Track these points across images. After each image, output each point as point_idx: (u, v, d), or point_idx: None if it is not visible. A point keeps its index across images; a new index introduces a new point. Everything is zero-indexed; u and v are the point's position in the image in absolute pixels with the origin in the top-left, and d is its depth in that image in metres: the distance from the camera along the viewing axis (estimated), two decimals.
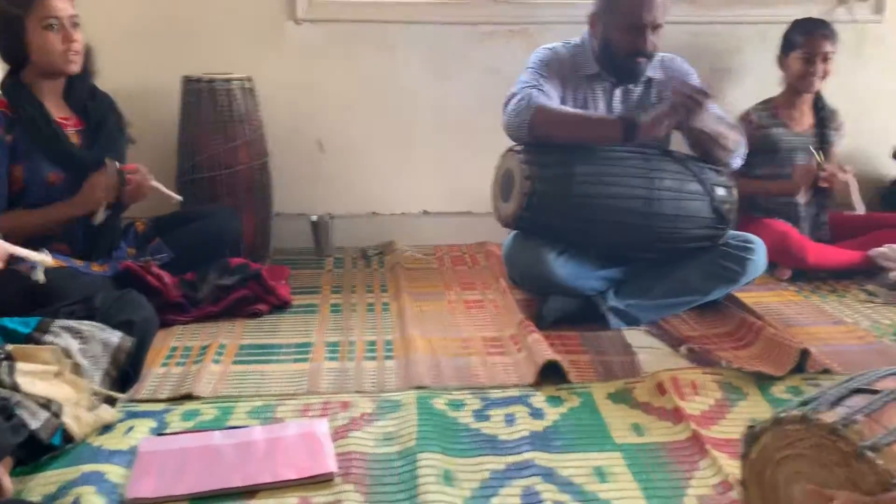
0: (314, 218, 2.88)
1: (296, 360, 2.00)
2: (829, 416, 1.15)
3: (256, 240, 2.74)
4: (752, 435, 1.24)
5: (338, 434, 1.62)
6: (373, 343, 2.11)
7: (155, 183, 2.21)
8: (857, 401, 1.21)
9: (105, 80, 2.26)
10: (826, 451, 1.13)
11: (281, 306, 2.34)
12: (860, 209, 2.68)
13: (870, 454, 1.09)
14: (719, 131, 2.19)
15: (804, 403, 1.22)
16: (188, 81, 2.62)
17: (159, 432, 1.63)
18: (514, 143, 2.23)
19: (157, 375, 1.89)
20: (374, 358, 2.01)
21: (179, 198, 2.33)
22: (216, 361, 1.96)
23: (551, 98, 2.20)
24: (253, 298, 2.30)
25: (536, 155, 2.13)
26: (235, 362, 1.98)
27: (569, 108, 2.23)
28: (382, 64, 2.92)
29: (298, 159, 2.93)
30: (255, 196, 2.70)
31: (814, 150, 2.70)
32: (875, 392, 1.23)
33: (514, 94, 2.21)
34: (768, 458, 1.21)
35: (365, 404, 1.75)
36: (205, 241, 2.38)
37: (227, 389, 1.83)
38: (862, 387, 1.26)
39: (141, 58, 2.78)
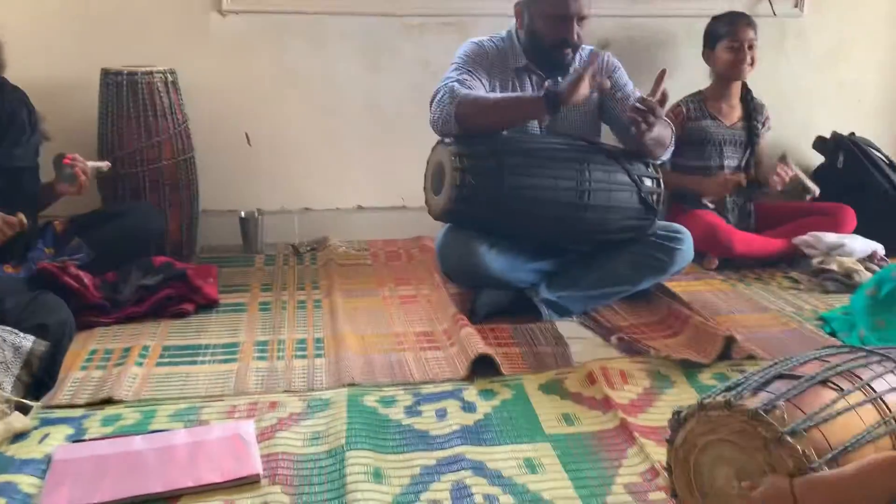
0: (243, 214, 2.81)
1: (223, 361, 1.94)
2: (752, 402, 1.17)
3: (182, 238, 2.66)
4: (678, 421, 1.24)
5: (265, 435, 1.58)
6: (303, 341, 2.06)
7: (90, 164, 2.18)
8: (779, 386, 1.23)
9: (16, 73, 2.16)
10: (748, 436, 1.15)
11: (208, 306, 2.27)
12: (815, 190, 2.75)
13: (789, 439, 1.11)
14: (661, 134, 2.21)
15: (728, 389, 1.23)
16: (107, 74, 2.52)
17: (76, 439, 1.56)
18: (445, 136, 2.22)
19: (75, 380, 1.81)
20: (304, 356, 1.97)
21: (107, 163, 2.31)
22: (139, 364, 1.89)
23: (476, 90, 2.18)
24: (178, 298, 2.23)
25: (467, 147, 2.12)
26: (159, 364, 1.92)
27: (491, 94, 2.22)
28: (312, 56, 2.86)
29: (226, 154, 2.85)
30: (181, 193, 2.62)
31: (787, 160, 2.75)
32: (797, 377, 1.25)
33: (438, 90, 2.19)
34: (693, 443, 1.22)
35: (294, 404, 1.71)
36: (126, 240, 2.30)
37: (149, 392, 1.77)
38: (784, 372, 1.28)
39: (56, 49, 2.66)
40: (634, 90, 2.37)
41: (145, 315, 2.18)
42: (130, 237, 2.31)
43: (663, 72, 2.08)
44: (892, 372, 1.33)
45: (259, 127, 2.88)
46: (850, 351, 1.39)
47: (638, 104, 2.08)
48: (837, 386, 1.24)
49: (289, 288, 2.48)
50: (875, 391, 1.25)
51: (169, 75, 2.58)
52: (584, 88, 2.06)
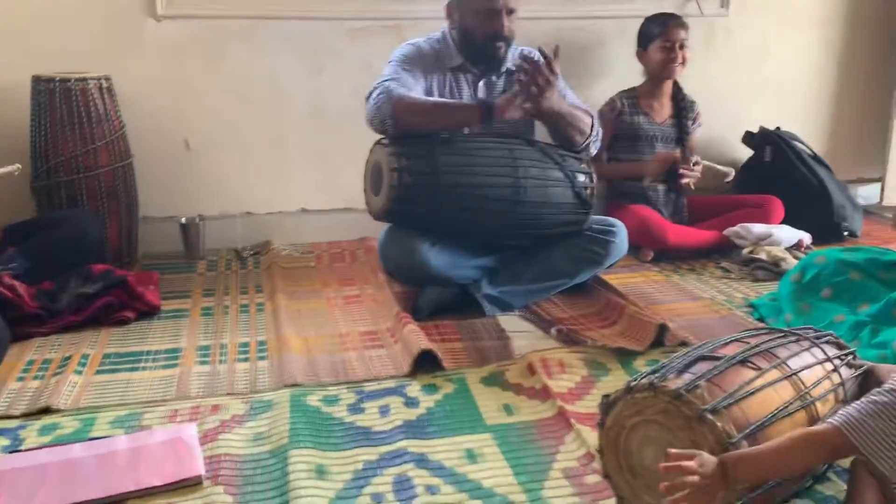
0: (184, 220, 2.78)
1: (164, 367, 1.93)
2: (675, 383, 1.23)
3: (122, 245, 2.63)
4: (607, 404, 1.30)
5: (207, 437, 1.58)
6: (246, 345, 2.06)
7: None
8: (701, 367, 1.29)
9: None
10: (671, 416, 1.20)
11: (149, 313, 2.25)
12: (730, 171, 2.84)
13: (709, 416, 1.17)
14: (573, 112, 2.26)
15: (653, 372, 1.29)
16: (39, 81, 2.48)
17: (12, 450, 1.54)
18: (382, 137, 2.25)
19: (11, 391, 1.79)
20: (246, 360, 1.97)
21: (18, 165, 2.27)
22: (78, 372, 1.87)
23: (412, 90, 2.22)
24: (119, 305, 2.21)
25: (403, 147, 2.15)
26: (99, 372, 1.90)
27: (428, 97, 2.27)
28: (251, 60, 2.85)
29: (165, 160, 2.82)
30: (119, 200, 2.59)
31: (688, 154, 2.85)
32: (717, 358, 1.32)
33: (374, 89, 2.22)
34: (622, 425, 1.27)
35: (236, 406, 1.72)
36: (63, 249, 2.27)
37: (89, 400, 1.75)
38: (706, 354, 1.35)
39: None
40: (573, 95, 2.44)
41: (85, 324, 2.15)
42: (67, 246, 2.27)
43: (557, 47, 2.09)
44: (807, 350, 1.41)
45: (199, 132, 2.86)
46: (768, 332, 1.47)
47: (521, 60, 2.10)
48: (756, 365, 1.31)
49: (231, 292, 2.47)
50: (791, 368, 1.33)
51: (104, 81, 2.54)
52: (517, 111, 2.11)
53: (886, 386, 1.09)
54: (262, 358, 1.98)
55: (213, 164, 2.89)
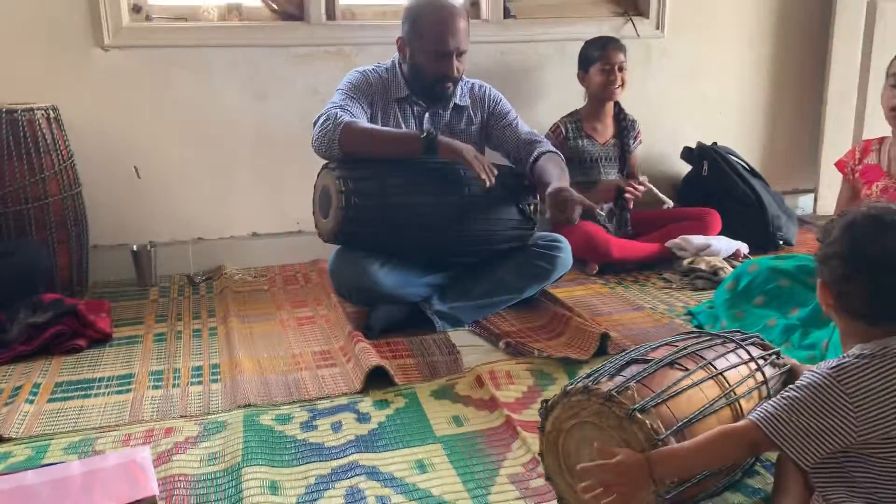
0: (135, 248, 2.79)
1: (117, 392, 1.94)
2: (607, 385, 1.30)
3: (73, 274, 2.62)
4: (546, 409, 1.36)
5: (161, 459, 1.60)
6: (199, 368, 2.09)
7: None
8: (632, 370, 1.36)
9: None
10: (604, 417, 1.27)
11: (101, 340, 2.26)
12: (669, 202, 2.96)
13: (639, 415, 1.24)
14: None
15: (588, 376, 1.36)
16: None
17: None
18: (330, 161, 2.30)
19: None
20: (199, 383, 2.00)
21: None
22: (29, 401, 1.88)
23: (358, 117, 2.29)
24: (70, 334, 2.21)
25: (350, 170, 2.20)
26: (51, 400, 1.90)
27: (374, 125, 2.33)
28: (199, 88, 2.88)
29: (115, 189, 2.83)
30: (69, 229, 2.59)
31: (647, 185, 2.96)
32: (647, 361, 1.39)
33: (321, 115, 2.28)
34: (560, 427, 1.33)
35: (190, 428, 1.74)
36: (12, 280, 2.26)
37: (41, 428, 1.76)
38: (637, 357, 1.42)
39: None
40: (523, 123, 2.53)
41: (36, 353, 2.15)
42: (16, 276, 2.27)
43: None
44: (733, 352, 1.49)
45: (148, 160, 2.88)
46: (697, 335, 1.55)
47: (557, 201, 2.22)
48: (683, 366, 1.39)
49: (184, 318, 2.48)
50: (717, 369, 1.41)
51: (51, 111, 2.55)
52: (463, 155, 2.19)
53: (799, 382, 1.17)
54: (215, 381, 2.01)
55: (163, 191, 2.91)
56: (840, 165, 2.38)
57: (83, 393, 1.94)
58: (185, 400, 1.89)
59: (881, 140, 2.29)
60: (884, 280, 1.16)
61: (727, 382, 1.39)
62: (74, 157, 2.65)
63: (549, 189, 2.25)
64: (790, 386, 1.19)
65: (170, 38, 2.83)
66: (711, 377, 1.38)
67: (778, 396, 1.19)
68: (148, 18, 2.87)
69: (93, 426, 1.77)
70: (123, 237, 2.86)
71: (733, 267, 2.71)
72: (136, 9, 2.85)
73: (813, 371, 1.17)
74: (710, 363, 1.41)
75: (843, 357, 1.17)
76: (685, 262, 2.79)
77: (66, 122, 2.64)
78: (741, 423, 1.20)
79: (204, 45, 2.87)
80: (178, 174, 2.92)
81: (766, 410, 1.16)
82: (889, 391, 1.12)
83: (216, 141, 2.94)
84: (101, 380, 2.02)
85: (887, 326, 1.18)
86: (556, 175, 2.32)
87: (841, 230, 1.20)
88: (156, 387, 1.97)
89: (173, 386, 1.98)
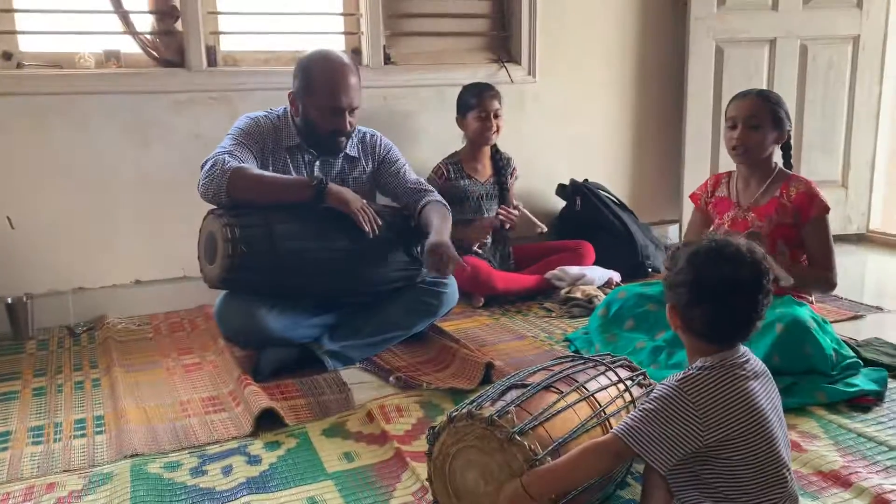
0: (10, 300, 2.68)
1: None
2: (488, 410, 1.39)
3: None
4: (433, 435, 1.43)
5: None
6: (82, 421, 2.04)
7: None
8: (512, 394, 1.46)
9: None
10: (487, 440, 1.36)
11: None
12: (542, 226, 3.12)
13: (518, 437, 1.33)
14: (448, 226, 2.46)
15: (471, 402, 1.44)
16: None
17: None
18: (216, 207, 2.31)
19: None
20: (83, 435, 1.95)
21: None
22: None
23: (246, 163, 2.31)
24: None
25: (237, 217, 2.21)
26: None
27: (263, 171, 2.36)
28: (76, 135, 2.82)
29: None
30: None
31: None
32: (526, 385, 1.50)
33: (208, 160, 2.29)
34: (446, 453, 1.41)
35: (73, 482, 1.70)
36: None
37: None
38: (516, 383, 1.52)
39: None
40: (411, 171, 2.63)
41: None
42: None
43: None
44: (603, 374, 1.62)
45: (23, 209, 2.79)
46: (570, 359, 1.67)
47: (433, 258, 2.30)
48: (558, 389, 1.50)
49: (64, 370, 2.41)
50: (588, 391, 1.53)
51: None
52: (350, 206, 2.27)
53: (652, 394, 1.30)
54: (99, 432, 1.97)
55: (39, 240, 2.82)
56: (694, 198, 2.60)
57: None
58: (67, 454, 1.85)
59: (729, 174, 2.53)
60: (720, 307, 1.31)
61: (598, 403, 1.51)
62: None
63: (427, 243, 2.33)
64: (645, 399, 1.32)
65: (43, 85, 2.77)
66: (584, 399, 1.50)
67: (635, 409, 1.31)
68: (19, 66, 2.80)
69: None
70: None
71: (606, 295, 2.90)
72: (6, 56, 2.78)
73: (663, 384, 1.30)
74: (582, 385, 1.53)
75: (688, 370, 1.31)
76: (563, 291, 2.95)
77: None
78: (606, 436, 1.32)
79: (80, 93, 2.82)
80: (55, 223, 2.83)
81: (626, 423, 1.28)
82: (726, 398, 1.26)
83: (95, 188, 2.88)
84: None
85: (726, 344, 1.33)
86: (437, 226, 2.39)
87: (686, 260, 1.35)
88: (35, 442, 1.91)
89: (55, 440, 1.92)
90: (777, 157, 2.46)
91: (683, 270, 1.34)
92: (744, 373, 1.31)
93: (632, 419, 1.28)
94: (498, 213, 3.07)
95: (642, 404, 1.30)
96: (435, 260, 2.29)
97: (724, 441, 1.26)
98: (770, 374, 1.39)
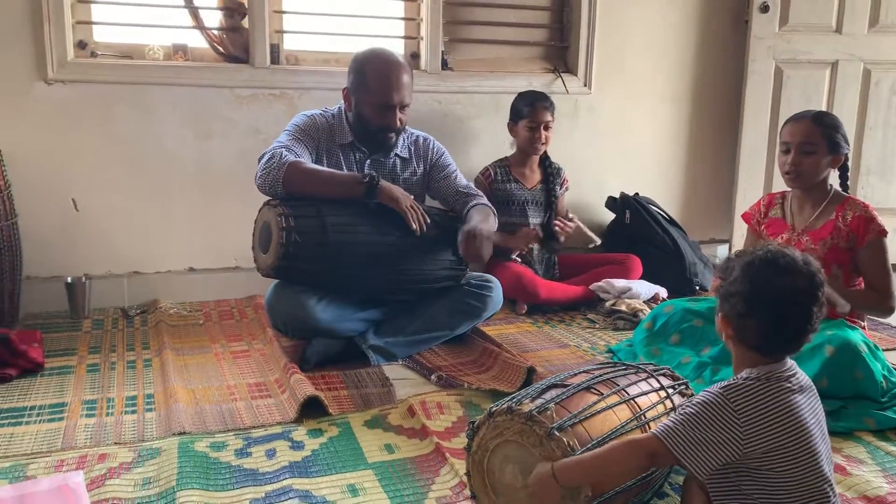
0: (69, 280, 2.79)
1: (49, 420, 1.95)
2: (528, 406, 1.40)
3: (3, 305, 2.60)
4: (473, 429, 1.45)
5: (94, 483, 1.62)
6: (133, 398, 2.10)
7: None
8: (552, 393, 1.47)
9: None
10: (526, 435, 1.37)
11: (32, 370, 2.25)
12: (596, 240, 3.12)
13: (557, 433, 1.34)
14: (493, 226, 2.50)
15: (512, 399, 1.46)
16: None
17: None
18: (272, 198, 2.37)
19: None
20: (134, 412, 2.02)
21: None
22: None
23: (302, 158, 2.37)
24: (0, 363, 2.20)
25: (292, 208, 2.28)
26: None
27: (318, 166, 2.42)
28: (141, 124, 2.93)
29: (51, 221, 2.84)
30: (2, 259, 2.57)
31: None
32: (566, 386, 1.51)
33: (265, 153, 2.36)
34: (485, 447, 1.43)
35: (124, 454, 1.76)
36: None
37: None
38: (557, 382, 1.53)
39: None
40: (462, 177, 2.67)
41: None
42: None
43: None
44: (645, 380, 1.62)
45: (86, 192, 2.89)
46: (612, 365, 1.67)
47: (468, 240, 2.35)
48: (599, 391, 1.51)
49: (118, 349, 2.49)
50: (629, 394, 1.53)
51: None
52: (399, 204, 2.32)
53: (695, 399, 1.30)
54: (149, 410, 2.03)
55: (100, 224, 2.92)
56: (746, 217, 2.57)
57: (13, 421, 1.94)
58: (118, 428, 1.91)
59: (783, 195, 2.50)
60: (775, 318, 1.31)
61: (638, 407, 1.51)
62: (12, 187, 2.65)
63: (462, 229, 2.38)
64: (686, 403, 1.32)
65: (114, 74, 2.88)
66: (624, 402, 1.50)
67: (676, 412, 1.31)
68: (93, 55, 2.92)
69: (24, 452, 1.77)
70: (58, 269, 2.85)
71: (651, 309, 2.88)
72: (81, 45, 2.90)
73: (707, 391, 1.30)
74: (623, 389, 1.54)
75: (734, 379, 1.31)
76: (608, 303, 2.95)
77: (5, 152, 2.65)
78: (643, 434, 1.32)
79: (148, 83, 2.92)
80: (116, 208, 2.93)
81: (666, 425, 1.29)
82: (770, 409, 1.26)
83: (156, 176, 2.97)
84: (32, 408, 2.02)
85: (776, 356, 1.33)
86: (478, 219, 2.44)
87: (741, 270, 1.35)
88: (89, 415, 1.98)
89: (107, 414, 1.99)
90: (833, 180, 2.42)
91: (738, 280, 1.34)
92: (789, 385, 1.30)
93: (672, 422, 1.28)
94: (554, 225, 3.08)
95: (683, 408, 1.30)
96: (469, 242, 2.33)
97: (766, 453, 1.25)
98: (815, 389, 1.38)
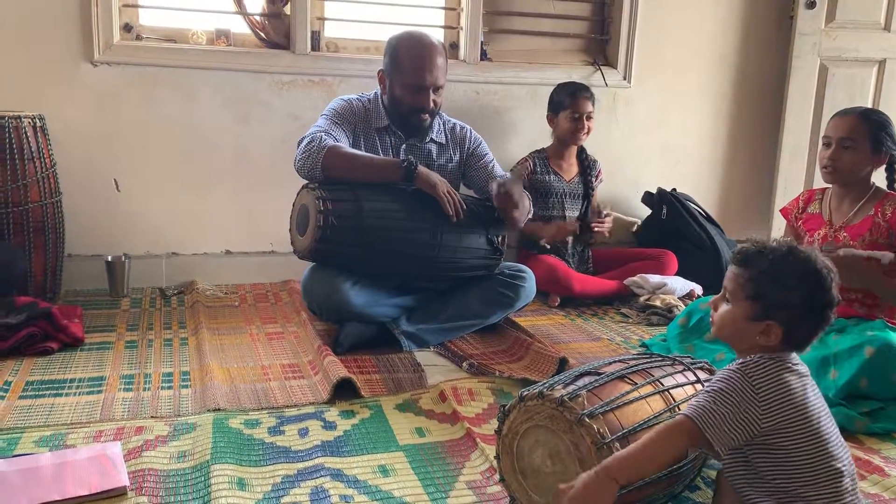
0: (109, 258, 2.85)
1: (88, 393, 1.99)
2: (560, 392, 1.40)
3: (45, 280, 2.66)
4: (504, 413, 1.46)
5: (131, 454, 1.66)
6: (169, 374, 2.14)
7: None
8: (585, 380, 1.47)
9: None
10: (556, 420, 1.37)
11: (73, 344, 2.31)
12: (637, 221, 3.10)
13: (587, 420, 1.34)
14: (525, 206, 2.48)
15: (544, 384, 1.46)
16: None
17: None
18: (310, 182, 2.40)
19: None
20: (170, 387, 2.05)
21: None
22: (0, 397, 1.91)
23: (340, 142, 2.39)
24: (42, 336, 2.25)
25: (330, 192, 2.30)
26: (22, 397, 1.94)
27: (356, 151, 2.44)
28: (183, 107, 2.97)
29: (94, 200, 2.90)
30: (46, 235, 2.63)
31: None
32: (599, 374, 1.50)
33: (305, 137, 2.39)
34: (515, 431, 1.43)
35: (160, 427, 1.80)
36: None
37: (12, 422, 1.80)
38: (590, 370, 1.53)
39: None
40: (499, 167, 2.67)
41: (8, 353, 2.19)
42: None
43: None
44: (680, 372, 1.61)
45: (128, 173, 2.95)
46: (647, 356, 1.66)
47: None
48: (632, 381, 1.50)
49: (155, 327, 2.54)
50: (663, 385, 1.52)
51: (37, 120, 2.62)
52: (436, 189, 2.33)
53: (714, 378, 1.31)
54: (185, 386, 2.06)
55: (140, 204, 2.97)
56: (784, 212, 2.54)
57: (54, 392, 1.99)
58: (155, 402, 1.95)
59: (823, 191, 2.46)
60: (823, 322, 1.32)
61: (672, 398, 1.50)
62: (57, 166, 2.71)
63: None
64: (714, 378, 1.32)
65: (158, 57, 2.92)
66: (658, 392, 1.49)
67: (705, 388, 1.31)
68: (138, 38, 2.97)
69: (64, 422, 1.81)
70: (98, 247, 2.91)
71: (686, 305, 2.85)
72: (127, 28, 2.95)
73: (725, 369, 1.31)
74: (657, 380, 1.52)
75: (749, 357, 1.31)
76: (642, 298, 2.92)
77: (52, 132, 2.70)
78: (676, 417, 1.31)
79: (191, 67, 2.96)
80: (156, 189, 2.98)
81: (697, 403, 1.29)
82: (784, 387, 1.27)
83: (196, 159, 3.02)
84: (72, 381, 2.07)
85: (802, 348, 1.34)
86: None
87: (799, 280, 1.32)
88: (126, 389, 2.03)
89: (144, 389, 2.03)
90: (880, 178, 2.37)
91: (796, 289, 1.32)
92: (797, 369, 1.32)
93: (698, 400, 1.28)
94: (592, 227, 3.06)
95: (711, 385, 1.30)
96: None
97: (780, 430, 1.26)
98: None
